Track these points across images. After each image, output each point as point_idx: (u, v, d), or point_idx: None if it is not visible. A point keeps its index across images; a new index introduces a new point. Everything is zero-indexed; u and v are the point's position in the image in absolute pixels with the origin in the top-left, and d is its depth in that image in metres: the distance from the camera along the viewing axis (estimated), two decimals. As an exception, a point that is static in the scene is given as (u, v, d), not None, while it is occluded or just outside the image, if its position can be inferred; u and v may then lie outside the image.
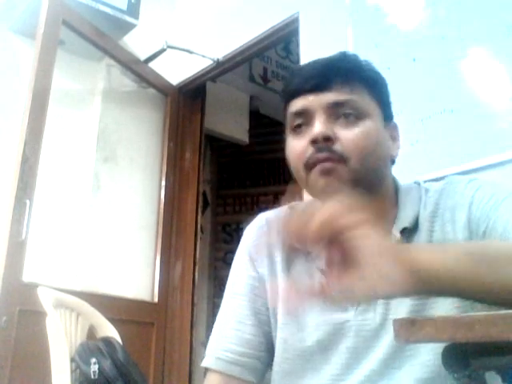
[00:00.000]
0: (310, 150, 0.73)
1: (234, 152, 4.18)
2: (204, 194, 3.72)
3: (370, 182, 0.74)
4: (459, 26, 1.71)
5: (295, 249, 0.74)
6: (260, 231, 0.86)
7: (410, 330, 0.38)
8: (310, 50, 2.20)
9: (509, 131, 1.53)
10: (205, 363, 0.82)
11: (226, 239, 4.25)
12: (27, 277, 2.00)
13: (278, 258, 0.81)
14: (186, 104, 3.05)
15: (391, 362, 0.70)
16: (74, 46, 2.65)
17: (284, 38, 2.55)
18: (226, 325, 0.82)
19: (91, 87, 2.86)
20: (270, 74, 3.97)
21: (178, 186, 2.90)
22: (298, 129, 0.76)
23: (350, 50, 2.01)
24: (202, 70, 2.80)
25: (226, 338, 0.81)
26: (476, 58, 1.66)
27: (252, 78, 3.83)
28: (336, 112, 0.73)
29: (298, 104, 0.75)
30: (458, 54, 1.69)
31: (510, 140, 1.52)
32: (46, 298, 1.49)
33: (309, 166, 0.73)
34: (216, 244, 4.23)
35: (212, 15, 2.83)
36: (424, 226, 0.74)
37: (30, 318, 1.88)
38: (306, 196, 0.85)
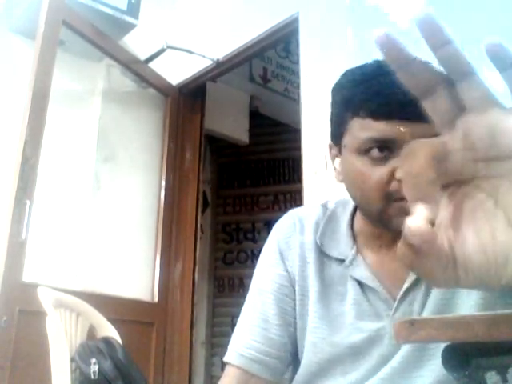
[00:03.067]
0: (395, 182, 0.67)
1: (234, 152, 4.18)
2: (204, 194, 3.72)
3: None
4: (459, 26, 1.72)
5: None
6: (292, 228, 0.83)
7: (410, 330, 0.38)
8: (310, 50, 2.20)
9: (509, 131, 1.53)
10: (227, 358, 0.81)
11: (225, 239, 4.25)
12: (27, 277, 2.00)
13: (311, 259, 0.80)
14: (185, 104, 3.05)
15: (411, 363, 0.70)
16: (74, 46, 2.65)
17: (284, 38, 2.55)
18: (251, 321, 0.81)
19: (91, 87, 2.86)
20: (270, 74, 3.97)
21: (177, 186, 2.91)
22: (375, 154, 0.68)
23: (350, 49, 2.02)
24: (202, 70, 2.80)
25: (250, 336, 0.80)
26: (476, 57, 1.66)
27: (252, 78, 3.83)
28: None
29: (382, 129, 0.67)
30: (457, 54, 1.69)
31: (510, 140, 1.52)
32: (45, 298, 1.49)
33: (391, 198, 0.68)
34: (216, 244, 4.23)
35: (212, 15, 2.83)
36: None
37: (30, 318, 1.88)
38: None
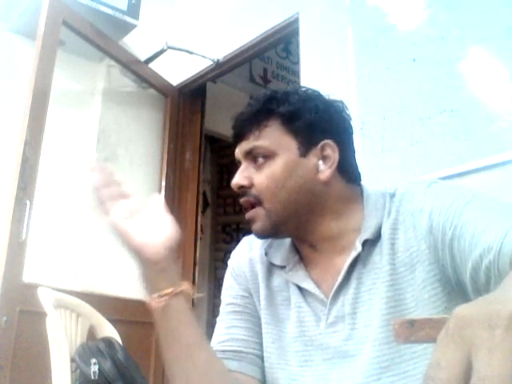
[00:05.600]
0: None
1: (234, 152, 4.17)
2: (204, 194, 3.72)
3: (296, 213, 0.77)
4: (459, 26, 1.72)
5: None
6: (242, 250, 0.90)
7: (410, 330, 0.38)
8: (310, 51, 2.21)
9: (509, 131, 1.53)
10: None
11: (226, 239, 4.25)
12: (27, 277, 2.00)
13: (259, 270, 0.84)
14: (186, 104, 3.05)
15: (368, 373, 0.69)
16: (74, 47, 2.65)
17: (284, 39, 2.55)
18: (218, 332, 0.83)
19: (91, 87, 2.86)
20: (270, 75, 3.97)
21: (177, 186, 2.91)
22: None
23: (350, 50, 2.02)
24: (202, 70, 2.80)
25: (219, 344, 0.81)
26: (476, 57, 1.66)
27: (252, 79, 3.83)
28: (251, 158, 0.79)
29: (235, 153, 0.84)
30: (458, 54, 1.69)
31: (510, 140, 1.52)
32: (46, 299, 1.49)
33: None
34: (216, 244, 4.23)
35: (212, 15, 2.83)
36: (386, 234, 0.74)
37: (30, 318, 1.88)
38: None
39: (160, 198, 0.77)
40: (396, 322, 0.39)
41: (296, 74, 3.72)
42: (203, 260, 3.82)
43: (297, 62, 2.63)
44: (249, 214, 0.78)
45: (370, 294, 0.72)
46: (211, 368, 0.72)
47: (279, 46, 3.84)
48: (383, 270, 0.72)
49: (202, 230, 3.36)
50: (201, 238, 3.16)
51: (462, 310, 0.33)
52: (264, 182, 0.76)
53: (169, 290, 0.69)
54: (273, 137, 0.78)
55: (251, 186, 0.77)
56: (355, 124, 1.84)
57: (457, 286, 0.67)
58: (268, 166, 0.77)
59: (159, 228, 0.71)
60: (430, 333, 0.37)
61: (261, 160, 0.77)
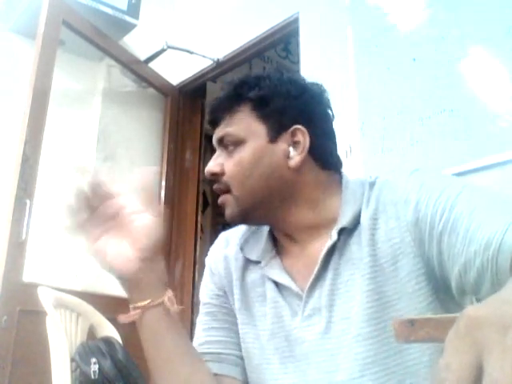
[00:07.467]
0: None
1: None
2: (204, 193, 3.72)
3: (266, 200, 0.76)
4: (459, 26, 1.72)
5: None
6: (218, 246, 0.89)
7: (410, 330, 0.38)
8: (310, 50, 2.21)
9: (509, 131, 1.53)
10: None
11: (226, 239, 4.24)
12: (27, 277, 2.00)
13: (234, 268, 0.82)
14: (185, 104, 3.05)
15: (351, 369, 0.67)
16: (74, 46, 2.65)
17: (284, 38, 2.55)
18: (196, 334, 0.82)
19: (91, 87, 2.86)
20: (270, 74, 3.96)
21: (178, 186, 2.91)
22: None
23: (350, 49, 2.02)
24: (202, 70, 2.80)
25: (197, 347, 0.79)
26: (476, 57, 1.66)
27: (252, 78, 3.83)
28: (224, 145, 0.78)
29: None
30: (458, 53, 1.69)
31: (510, 140, 1.52)
32: (46, 298, 1.50)
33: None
34: (216, 244, 4.23)
35: (212, 15, 2.84)
36: (366, 225, 0.71)
37: (30, 318, 1.88)
38: None
39: (148, 175, 0.75)
40: (396, 321, 0.39)
41: (296, 73, 3.72)
42: (203, 260, 3.82)
43: (297, 62, 2.62)
44: (220, 200, 0.79)
45: (347, 285, 0.70)
46: (193, 380, 0.71)
47: (279, 46, 3.83)
48: (363, 262, 0.69)
49: (202, 229, 3.36)
50: (201, 238, 3.16)
51: (473, 310, 0.32)
52: (232, 170, 0.76)
53: (143, 303, 0.68)
54: (243, 123, 0.77)
55: (223, 173, 0.77)
56: (355, 124, 1.84)
57: (441, 280, 0.65)
58: (237, 153, 0.76)
59: (137, 236, 0.68)
60: (430, 332, 0.37)
61: (231, 147, 0.76)
